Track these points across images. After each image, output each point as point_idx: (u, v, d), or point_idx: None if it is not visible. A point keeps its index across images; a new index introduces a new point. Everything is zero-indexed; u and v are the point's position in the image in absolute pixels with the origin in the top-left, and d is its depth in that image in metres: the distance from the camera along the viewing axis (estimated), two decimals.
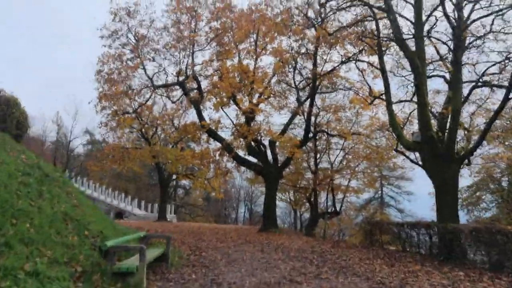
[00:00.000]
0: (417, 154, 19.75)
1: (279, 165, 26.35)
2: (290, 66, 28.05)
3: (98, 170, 36.73)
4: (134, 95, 25.98)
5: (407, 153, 20.83)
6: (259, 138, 25.09)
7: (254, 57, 26.90)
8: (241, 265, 11.77)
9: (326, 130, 27.40)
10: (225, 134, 27.85)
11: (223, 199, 78.40)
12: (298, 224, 62.06)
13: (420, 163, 17.29)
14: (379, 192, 53.74)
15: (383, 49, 18.66)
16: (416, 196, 52.44)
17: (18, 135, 17.22)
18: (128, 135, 37.22)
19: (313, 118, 27.74)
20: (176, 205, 60.82)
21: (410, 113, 20.55)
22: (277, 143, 26.94)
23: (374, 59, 25.45)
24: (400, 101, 21.41)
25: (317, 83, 25.77)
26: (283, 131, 26.00)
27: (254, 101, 26.18)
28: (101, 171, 37.12)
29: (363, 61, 22.50)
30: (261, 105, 28.78)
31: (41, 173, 12.99)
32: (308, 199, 30.29)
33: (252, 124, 25.47)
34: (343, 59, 24.50)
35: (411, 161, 20.68)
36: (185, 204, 68.00)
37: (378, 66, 25.61)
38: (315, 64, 24.99)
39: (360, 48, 23.59)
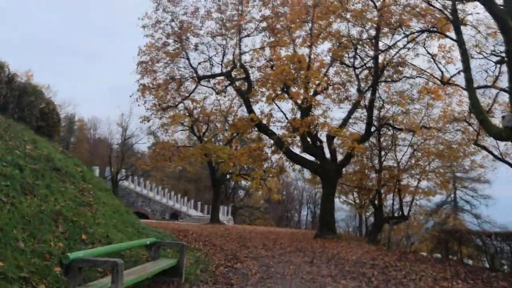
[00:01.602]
0: (502, 148, 16.32)
1: (337, 162, 23.46)
2: (349, 54, 25.20)
3: (148, 169, 35.55)
4: (178, 86, 24.01)
5: (491, 147, 17.33)
6: (314, 131, 22.32)
7: (309, 44, 24.16)
8: (277, 284, 9.21)
9: (391, 123, 24.15)
10: (279, 130, 25.31)
11: (285, 201, 76.06)
12: (363, 229, 58.42)
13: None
14: (452, 195, 49.02)
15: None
16: (495, 200, 47.21)
17: (41, 127, 15.68)
18: (180, 133, 35.69)
19: (376, 112, 24.65)
20: (235, 207, 58.98)
21: (495, 98, 16.98)
22: (336, 139, 24.10)
23: (445, 41, 22.29)
24: (481, 87, 18.00)
25: (380, 71, 22.71)
26: (342, 125, 23.07)
27: (311, 93, 23.58)
28: (152, 169, 35.91)
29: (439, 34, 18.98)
30: (319, 98, 26.08)
31: (46, 167, 11.13)
32: (372, 202, 27.04)
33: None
34: (408, 42, 21.28)
35: (495, 157, 17.19)
36: (244, 206, 66.02)
37: (448, 53, 22.71)
38: (376, 49, 21.90)
39: (429, 26, 20.37)
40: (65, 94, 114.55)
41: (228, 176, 35.73)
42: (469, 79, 13.41)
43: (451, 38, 15.77)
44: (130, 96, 23.16)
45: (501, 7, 11.66)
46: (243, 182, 52.39)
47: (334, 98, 26.46)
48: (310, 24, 23.94)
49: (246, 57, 25.36)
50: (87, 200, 11.83)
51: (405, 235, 38.91)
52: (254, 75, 25.88)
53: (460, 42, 13.77)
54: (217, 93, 25.32)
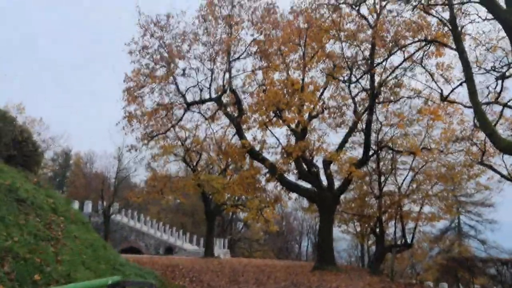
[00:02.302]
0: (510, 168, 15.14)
1: (335, 189, 22.24)
2: (345, 76, 24.37)
3: (140, 202, 34.16)
4: (166, 113, 22.95)
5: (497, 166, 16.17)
6: (308, 156, 21.18)
7: (303, 66, 23.28)
8: None
9: (390, 146, 23.04)
10: (273, 157, 24.15)
11: (285, 232, 74.22)
12: (365, 258, 56.52)
13: None
14: (456, 220, 47.51)
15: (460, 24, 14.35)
16: (500, 224, 45.56)
17: (13, 156, 14.53)
18: (173, 164, 34.48)
19: (374, 135, 23.60)
20: (232, 240, 57.23)
21: (500, 113, 15.89)
22: (332, 164, 22.96)
23: (443, 59, 21.49)
24: (484, 103, 16.96)
25: (376, 92, 21.78)
26: (339, 149, 21.93)
27: (305, 118, 22.61)
28: (148, 203, 34.62)
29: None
30: (314, 123, 25.09)
31: (5, 197, 10.00)
32: (373, 230, 25.64)
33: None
34: (405, 60, 20.43)
35: (502, 176, 16.00)
36: (242, 238, 64.21)
37: (447, 71, 21.84)
38: (371, 67, 21.01)
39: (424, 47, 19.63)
40: (63, 127, 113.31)
41: (222, 208, 34.30)
42: (472, 91, 12.33)
43: (451, 47, 14.82)
44: (116, 125, 22.09)
45: (504, 9, 10.72)
46: (241, 213, 50.90)
47: (330, 123, 25.49)
48: (303, 47, 23.14)
49: (237, 82, 24.47)
50: (54, 234, 10.63)
51: (409, 264, 37.38)
52: (247, 100, 24.96)
53: (460, 50, 12.79)
54: (206, 119, 24.24)
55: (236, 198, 36.52)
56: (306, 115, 22.67)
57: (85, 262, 10.50)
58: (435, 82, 21.19)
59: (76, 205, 48.63)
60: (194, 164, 33.35)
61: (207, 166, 34.99)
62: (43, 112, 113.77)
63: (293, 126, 22.67)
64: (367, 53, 22.26)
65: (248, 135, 23.76)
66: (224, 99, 22.92)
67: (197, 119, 29.39)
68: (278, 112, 21.54)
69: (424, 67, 21.09)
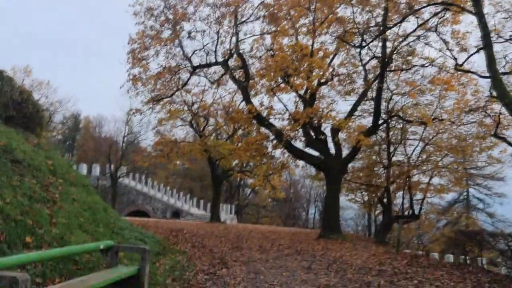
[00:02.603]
0: None
1: (342, 158, 21.80)
2: (356, 42, 23.61)
3: (146, 165, 34.08)
4: (171, 77, 22.42)
5: (511, 138, 15.61)
6: (315, 123, 20.65)
7: (312, 32, 22.48)
8: None
9: (400, 115, 22.45)
10: (280, 123, 23.68)
11: (292, 199, 74.39)
12: (372, 228, 56.53)
13: None
14: (464, 193, 46.94)
15: None
16: (509, 198, 44.97)
17: (11, 117, 14.22)
18: (179, 129, 34.16)
19: (384, 104, 23.01)
20: (239, 205, 57.42)
21: None
22: (341, 133, 22.48)
23: (458, 27, 20.69)
24: (502, 73, 16.25)
25: (388, 59, 21.08)
26: (348, 117, 21.35)
27: (314, 84, 22.02)
28: (155, 167, 34.57)
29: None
30: (324, 91, 24.50)
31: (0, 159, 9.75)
32: (381, 200, 25.30)
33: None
34: (419, 26, 19.64)
35: None
36: (249, 204, 64.44)
37: (463, 39, 20.97)
38: (384, 31, 20.20)
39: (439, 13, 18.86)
40: (71, 91, 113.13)
41: (229, 173, 34.12)
42: (491, 57, 11.70)
43: (469, 11, 14.05)
44: (121, 88, 21.66)
45: None
46: (249, 180, 50.85)
47: (339, 90, 24.90)
48: (313, 12, 22.30)
49: (245, 46, 23.82)
50: (50, 196, 10.39)
51: (415, 235, 37.21)
52: (255, 65, 24.37)
53: (479, 14, 12.07)
54: (212, 83, 23.69)
55: (244, 164, 36.38)
56: (315, 82, 22.03)
57: (82, 225, 10.26)
58: (450, 50, 20.48)
59: (84, 168, 48.91)
60: (201, 129, 33.04)
61: (214, 131, 34.66)
62: (50, 76, 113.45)
63: (301, 92, 22.15)
64: (379, 19, 21.49)
65: (255, 101, 23.30)
66: (231, 63, 22.27)
67: (204, 83, 28.95)
68: (286, 77, 20.94)
69: (438, 34, 20.37)
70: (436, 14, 19.48)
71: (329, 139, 22.41)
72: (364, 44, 22.28)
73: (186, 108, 31.38)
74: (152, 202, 45.14)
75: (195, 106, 31.55)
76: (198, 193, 62.85)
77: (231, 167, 32.54)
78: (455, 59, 19.70)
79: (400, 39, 21.40)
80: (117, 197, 44.28)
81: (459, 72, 21.08)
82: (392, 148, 24.36)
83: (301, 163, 25.47)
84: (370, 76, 22.78)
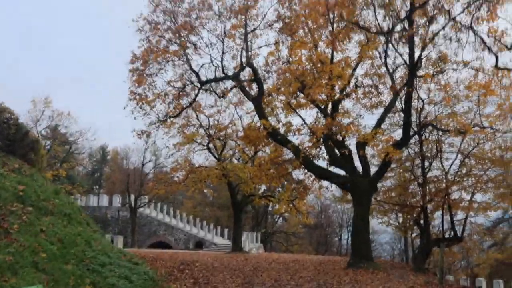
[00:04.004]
0: None
1: (371, 175, 19.36)
2: (381, 50, 21.51)
3: (162, 193, 32.23)
4: (178, 94, 20.54)
5: None
6: (335, 135, 18.33)
7: (333, 39, 20.41)
8: None
9: (435, 124, 19.91)
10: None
11: (324, 224, 71.20)
12: (409, 252, 52.92)
13: None
14: (510, 211, 43.21)
15: None
16: None
17: None
18: (197, 154, 32.21)
19: (415, 115, 20.57)
20: (266, 233, 54.75)
21: None
22: (368, 149, 20.13)
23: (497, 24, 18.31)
24: None
25: (416, 61, 18.78)
26: (375, 128, 18.93)
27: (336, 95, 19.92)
28: (165, 193, 32.69)
29: None
30: (348, 105, 22.33)
31: None
32: (417, 222, 22.41)
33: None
34: (451, 19, 17.38)
35: None
36: (277, 232, 61.61)
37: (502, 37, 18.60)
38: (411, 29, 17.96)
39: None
40: (99, 123, 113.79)
41: (250, 199, 31.84)
42: None
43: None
44: (124, 108, 19.87)
45: None
46: (275, 205, 48.37)
47: (365, 103, 22.62)
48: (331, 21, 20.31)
49: (260, 60, 21.95)
50: (4, 226, 8.46)
51: (458, 260, 34.01)
52: (271, 80, 22.43)
53: None
54: (219, 97, 21.70)
55: (265, 188, 34.21)
56: (337, 91, 19.90)
57: (39, 263, 8.24)
58: (489, 48, 18.15)
59: (104, 199, 47.57)
60: (219, 152, 31.07)
61: (233, 155, 32.61)
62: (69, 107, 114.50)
63: (322, 106, 20.05)
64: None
65: (273, 120, 21.25)
66: (243, 77, 20.32)
67: (220, 104, 27.13)
68: (303, 89, 18.76)
69: (474, 31, 18.06)
70: (468, 7, 17.25)
71: (356, 157, 20.12)
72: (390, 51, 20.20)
73: (202, 131, 29.60)
74: (174, 233, 43.15)
75: (213, 129, 29.80)
76: (224, 222, 60.62)
77: (252, 192, 30.26)
78: (496, 56, 17.41)
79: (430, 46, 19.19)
80: (138, 228, 42.52)
81: (499, 75, 18.70)
82: (426, 163, 21.72)
83: (325, 183, 23.00)
84: (398, 87, 20.54)
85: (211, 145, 30.43)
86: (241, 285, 12.42)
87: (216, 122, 29.41)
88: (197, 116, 28.98)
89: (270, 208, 57.80)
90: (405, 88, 18.30)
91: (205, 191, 64.96)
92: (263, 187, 34.44)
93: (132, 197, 41.15)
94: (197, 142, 29.79)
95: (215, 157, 30.93)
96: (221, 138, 30.00)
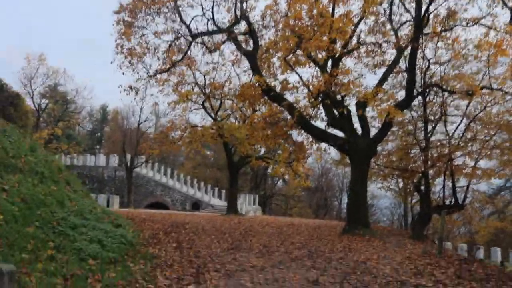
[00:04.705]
0: None
1: (371, 136, 18.35)
2: (386, 6, 20.26)
3: (156, 153, 31.37)
4: (168, 47, 19.27)
5: None
6: (332, 92, 17.19)
7: None
8: None
9: (440, 85, 18.74)
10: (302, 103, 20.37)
11: (324, 188, 70.66)
12: (409, 217, 52.47)
13: None
14: None
15: None
16: None
17: None
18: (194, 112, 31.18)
19: (420, 76, 19.40)
20: (265, 195, 54.26)
21: None
22: (369, 110, 19.08)
23: None
24: None
25: (423, 16, 17.48)
26: (377, 87, 17.73)
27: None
28: (161, 153, 31.87)
29: None
30: (349, 64, 21.12)
31: None
32: (417, 187, 21.49)
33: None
34: None
35: None
36: (276, 194, 61.10)
37: None
38: None
39: None
40: (96, 82, 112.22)
41: (247, 160, 30.92)
42: None
43: None
44: (111, 63, 18.66)
45: None
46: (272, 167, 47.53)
47: (367, 63, 21.43)
48: None
49: (256, 14, 20.62)
50: None
51: (457, 227, 33.48)
52: (268, 36, 21.14)
53: None
54: (210, 52, 20.43)
55: (264, 150, 33.34)
56: (338, 47, 18.71)
57: None
58: (503, 2, 16.85)
59: (101, 158, 46.84)
60: (216, 112, 30.04)
61: (230, 114, 31.55)
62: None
63: (320, 63, 18.86)
64: None
65: (271, 80, 20.05)
66: (236, 30, 18.99)
67: (215, 60, 25.92)
68: (301, 43, 17.50)
69: None
70: None
71: (356, 119, 19.08)
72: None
73: (198, 89, 28.48)
74: (171, 194, 42.53)
75: (208, 88, 28.66)
76: (224, 183, 60.07)
77: (249, 153, 29.34)
78: (511, 10, 16.10)
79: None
80: (135, 189, 41.93)
81: None
82: (430, 127, 20.66)
83: (323, 146, 22.02)
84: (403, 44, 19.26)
85: (207, 104, 29.38)
86: (226, 250, 11.62)
87: (212, 80, 28.27)
88: (193, 74, 27.87)
89: (269, 170, 57.13)
90: (410, 45, 16.99)
91: (208, 152, 64.45)
92: (263, 149, 33.61)
93: (128, 156, 40.33)
94: (192, 101, 28.71)
95: (211, 116, 29.93)
96: (217, 96, 28.91)
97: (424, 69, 19.64)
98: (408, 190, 29.53)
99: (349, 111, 18.29)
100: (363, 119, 18.15)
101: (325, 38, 17.19)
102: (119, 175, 43.84)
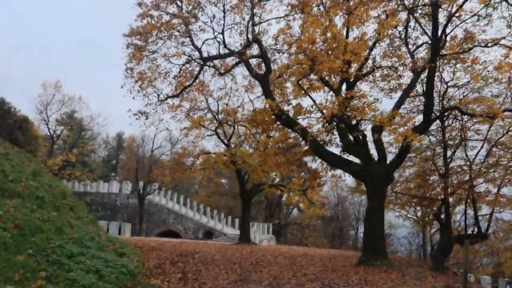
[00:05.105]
0: None
1: (387, 163, 17.62)
2: (401, 29, 19.84)
3: (168, 180, 30.91)
4: (179, 71, 18.97)
5: None
6: (351, 118, 16.59)
7: (347, 13, 18.64)
8: None
9: (460, 107, 18.02)
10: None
11: (339, 217, 69.31)
12: (428, 247, 50.78)
13: None
14: None
15: None
16: None
17: None
18: (206, 139, 30.71)
19: (437, 98, 18.78)
20: (279, 224, 53.22)
21: None
22: (385, 135, 18.44)
23: None
24: None
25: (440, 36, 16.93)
26: (393, 110, 17.08)
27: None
28: (173, 181, 31.43)
29: None
30: (364, 88, 20.68)
31: None
32: (437, 216, 20.45)
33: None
34: None
35: None
36: (291, 223, 59.92)
37: None
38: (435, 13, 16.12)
39: None
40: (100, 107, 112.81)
41: (260, 188, 30.24)
42: None
43: None
44: (122, 87, 18.37)
45: None
46: (286, 195, 46.65)
47: (382, 87, 20.88)
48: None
49: (269, 38, 20.32)
50: None
51: (480, 258, 32.16)
52: (281, 59, 20.81)
53: None
54: (221, 74, 20.02)
55: (275, 176, 32.66)
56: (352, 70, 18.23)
57: None
58: None
59: (114, 186, 46.59)
60: (229, 138, 29.62)
61: (243, 140, 31.05)
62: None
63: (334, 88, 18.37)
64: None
65: (284, 106, 19.58)
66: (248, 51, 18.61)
67: (228, 86, 25.61)
68: (313, 67, 17.02)
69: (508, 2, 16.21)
70: None
71: (372, 145, 18.43)
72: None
73: (210, 115, 28.17)
74: (184, 222, 41.92)
75: (222, 114, 28.38)
76: (238, 212, 59.32)
77: (262, 181, 28.70)
78: None
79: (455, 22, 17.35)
80: (147, 216, 41.43)
81: None
82: (449, 152, 19.82)
83: (338, 172, 21.34)
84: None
85: (219, 131, 28.99)
86: (233, 283, 10.91)
87: (225, 106, 27.98)
88: (206, 100, 27.62)
89: (284, 199, 56.22)
90: (427, 67, 16.41)
91: (222, 180, 63.90)
92: (278, 177, 33.00)
93: (141, 184, 39.97)
94: (205, 127, 28.37)
95: (224, 143, 29.50)
96: (230, 123, 28.53)
97: (442, 93, 19.00)
98: (427, 218, 28.40)
99: (364, 136, 17.64)
100: (379, 144, 17.45)
101: (338, 61, 16.76)
102: (131, 202, 43.45)
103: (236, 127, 29.25)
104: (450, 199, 19.48)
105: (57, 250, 8.96)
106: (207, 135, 29.64)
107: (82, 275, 8.33)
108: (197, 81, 22.20)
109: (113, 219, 41.73)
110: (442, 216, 19.40)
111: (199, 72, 19.36)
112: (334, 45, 17.05)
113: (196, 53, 18.69)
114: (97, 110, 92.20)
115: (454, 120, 19.60)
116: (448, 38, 18.03)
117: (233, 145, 29.62)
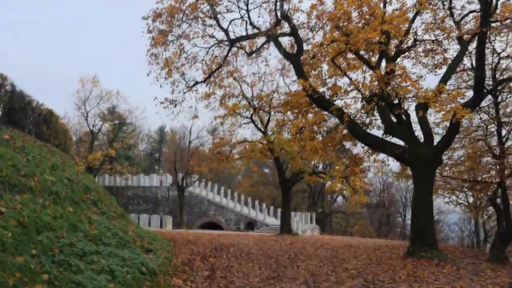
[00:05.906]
0: None
1: (434, 144, 16.05)
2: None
3: (205, 171, 30.16)
4: (206, 57, 17.96)
5: None
6: (392, 96, 15.11)
7: None
8: None
9: None
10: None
11: (386, 204, 67.21)
12: (481, 234, 48.18)
13: None
14: None
15: None
16: None
17: None
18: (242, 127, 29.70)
19: (489, 71, 17.01)
20: (323, 213, 51.77)
21: None
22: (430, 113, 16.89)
23: None
24: None
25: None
26: (439, 85, 15.43)
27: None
28: (210, 172, 30.69)
29: None
30: (406, 64, 19.11)
31: None
32: (493, 201, 18.64)
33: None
34: None
35: None
36: (335, 212, 58.27)
37: None
38: None
39: None
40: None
41: (300, 176, 29.02)
42: None
43: None
44: (148, 75, 17.54)
45: None
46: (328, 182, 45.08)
47: (426, 63, 19.23)
48: None
49: (299, 16, 19.01)
50: None
51: None
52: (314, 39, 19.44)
53: None
54: (248, 55, 18.83)
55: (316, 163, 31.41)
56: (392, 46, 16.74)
57: None
58: None
59: (154, 179, 46.52)
60: (265, 125, 28.51)
61: (281, 126, 29.87)
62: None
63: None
64: None
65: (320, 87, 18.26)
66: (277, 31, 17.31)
67: (261, 71, 24.53)
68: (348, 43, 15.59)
69: None
70: None
71: (417, 126, 16.88)
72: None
73: (245, 102, 27.14)
74: (225, 213, 41.22)
75: (256, 100, 27.32)
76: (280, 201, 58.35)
77: (302, 169, 27.49)
78: None
79: None
80: (188, 208, 41.05)
81: None
82: (504, 130, 18.01)
83: (381, 156, 19.79)
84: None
85: (255, 118, 27.91)
86: (265, 280, 9.86)
87: (260, 91, 26.92)
88: (239, 85, 26.65)
89: (326, 186, 54.67)
90: (477, 33, 14.70)
91: (266, 170, 62.96)
92: (320, 164, 31.75)
93: (180, 175, 39.54)
94: (240, 114, 27.38)
95: (260, 130, 28.39)
96: (266, 109, 27.41)
97: (494, 65, 17.24)
98: (480, 204, 26.45)
99: (408, 115, 16.14)
100: (424, 123, 15.90)
101: (375, 32, 15.31)
102: (172, 195, 43.16)
103: (272, 113, 28.08)
104: (507, 182, 17.71)
105: (66, 249, 8.16)
106: (243, 123, 28.66)
107: (91, 277, 7.48)
108: (229, 66, 21.25)
109: (155, 212, 41.61)
110: (499, 201, 17.66)
111: (226, 55, 18.27)
112: (370, 18, 15.65)
113: (223, 35, 17.59)
114: (134, 104, 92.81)
115: (509, 95, 17.77)
116: (499, 4, 16.24)
117: (270, 133, 28.47)
